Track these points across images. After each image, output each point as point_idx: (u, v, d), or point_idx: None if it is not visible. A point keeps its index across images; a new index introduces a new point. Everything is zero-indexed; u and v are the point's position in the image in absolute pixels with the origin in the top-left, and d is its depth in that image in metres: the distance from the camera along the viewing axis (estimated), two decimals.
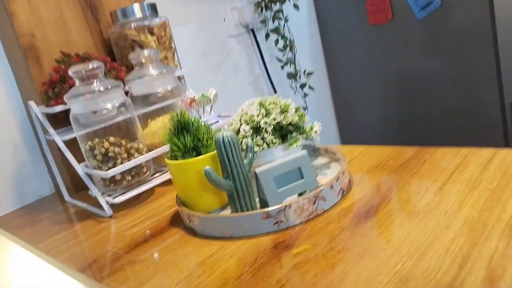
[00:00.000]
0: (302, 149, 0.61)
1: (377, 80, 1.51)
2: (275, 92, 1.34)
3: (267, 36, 1.31)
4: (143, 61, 0.75)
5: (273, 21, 1.29)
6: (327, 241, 0.47)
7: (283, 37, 1.30)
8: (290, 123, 0.62)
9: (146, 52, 0.75)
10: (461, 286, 0.35)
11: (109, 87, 0.68)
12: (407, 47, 1.41)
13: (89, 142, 0.69)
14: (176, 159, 0.58)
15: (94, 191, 0.70)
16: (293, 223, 0.52)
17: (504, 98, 1.26)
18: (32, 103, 0.78)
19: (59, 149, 0.81)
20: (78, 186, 0.86)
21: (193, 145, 0.58)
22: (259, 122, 0.61)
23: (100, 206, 0.71)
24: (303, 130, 0.63)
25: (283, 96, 0.74)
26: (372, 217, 0.50)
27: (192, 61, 1.17)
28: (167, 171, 0.78)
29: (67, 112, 0.75)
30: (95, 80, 0.68)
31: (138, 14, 0.84)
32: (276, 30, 1.30)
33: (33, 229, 0.74)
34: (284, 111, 0.62)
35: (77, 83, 0.68)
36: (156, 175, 0.77)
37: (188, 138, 0.58)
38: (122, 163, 0.69)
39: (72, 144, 0.75)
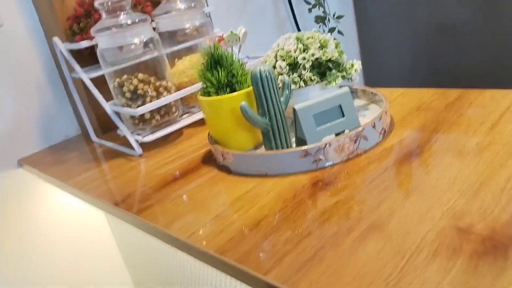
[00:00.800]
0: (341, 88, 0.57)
1: (406, 28, 1.43)
2: None
3: None
4: None
5: None
6: (371, 179, 0.45)
7: None
8: (329, 60, 0.58)
9: None
10: None
11: (137, 20, 0.65)
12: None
13: (117, 79, 0.67)
14: (210, 95, 0.56)
15: (123, 129, 0.69)
16: (333, 162, 0.50)
17: None
18: (56, 39, 0.75)
19: (85, 88, 0.79)
20: (105, 127, 0.85)
21: (227, 81, 0.55)
22: (297, 57, 0.58)
23: (129, 145, 0.70)
24: (343, 67, 0.59)
25: None
26: (418, 157, 0.48)
27: (216, 0, 1.11)
28: (195, 112, 0.76)
29: (93, 48, 0.73)
30: (122, 13, 0.64)
31: None
32: None
33: (63, 167, 0.74)
34: (323, 46, 0.58)
35: (104, 16, 0.65)
36: (184, 116, 0.75)
37: (222, 73, 0.55)
38: (151, 101, 0.67)
39: (99, 83, 0.73)
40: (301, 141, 0.53)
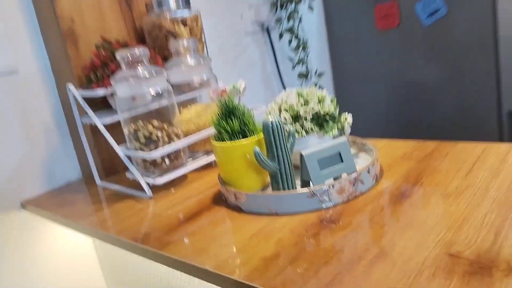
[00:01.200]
0: (334, 138, 0.66)
1: (380, 84, 1.58)
2: None
3: (281, 35, 1.37)
4: (182, 50, 0.80)
5: (288, 21, 1.34)
6: (371, 216, 0.53)
7: (297, 37, 1.35)
8: (326, 113, 0.67)
9: (185, 42, 0.79)
10: (500, 249, 0.41)
11: (153, 73, 0.72)
12: (411, 53, 1.48)
13: (133, 125, 0.73)
14: (223, 141, 0.63)
15: (135, 172, 0.74)
16: (335, 202, 0.57)
17: (502, 107, 1.34)
18: (71, 86, 0.81)
19: (92, 132, 0.85)
20: (108, 170, 0.89)
21: (240, 129, 0.63)
22: (299, 110, 0.66)
23: (137, 188, 0.75)
24: (338, 120, 0.68)
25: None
26: (408, 198, 0.56)
27: (211, 55, 1.21)
28: (199, 157, 0.82)
29: (105, 96, 0.79)
30: (139, 66, 0.72)
31: (173, 5, 0.88)
32: (290, 30, 1.35)
33: (72, 208, 0.77)
34: (321, 101, 0.67)
35: (123, 67, 0.72)
36: (188, 160, 0.81)
37: (235, 122, 0.62)
38: (163, 146, 0.73)
39: (107, 128, 0.78)
40: (305, 183, 0.60)
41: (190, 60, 0.80)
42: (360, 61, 1.61)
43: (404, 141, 0.77)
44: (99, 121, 0.77)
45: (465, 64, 1.38)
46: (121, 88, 0.72)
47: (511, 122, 1.35)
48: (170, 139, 0.74)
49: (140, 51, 0.71)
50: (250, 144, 0.61)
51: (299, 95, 0.68)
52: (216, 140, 0.64)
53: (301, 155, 0.59)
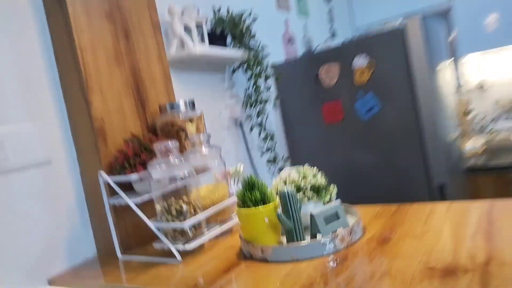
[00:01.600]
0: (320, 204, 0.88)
1: (328, 167, 1.85)
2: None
3: (251, 128, 1.63)
4: (197, 142, 1.00)
5: (257, 117, 1.62)
6: (368, 254, 0.73)
7: (265, 129, 1.62)
8: (320, 184, 0.90)
9: (201, 136, 1.01)
10: (458, 260, 0.64)
11: (182, 160, 0.91)
12: (352, 142, 1.81)
13: (166, 201, 0.89)
14: (248, 207, 0.82)
15: (166, 241, 0.89)
16: (339, 248, 0.77)
17: (432, 182, 1.67)
18: (103, 173, 0.96)
19: (116, 212, 0.99)
20: (126, 246, 1.01)
21: (261, 198, 0.83)
22: (300, 183, 0.88)
23: (165, 256, 0.89)
24: (327, 189, 0.91)
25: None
26: (390, 240, 0.78)
27: None
28: (213, 227, 0.98)
29: (130, 182, 0.96)
30: (170, 155, 0.91)
31: (183, 108, 1.11)
32: (259, 124, 1.62)
33: (101, 281, 0.88)
34: (315, 176, 0.90)
35: (158, 156, 0.90)
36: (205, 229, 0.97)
37: (257, 193, 0.83)
38: (190, 218, 0.89)
39: (127, 208, 0.93)
40: (313, 236, 0.80)
41: (204, 149, 1.00)
42: (312, 149, 1.91)
43: (371, 205, 1.01)
44: (131, 201, 0.93)
45: (396, 149, 1.72)
46: (156, 172, 0.90)
47: (442, 194, 1.67)
48: (196, 212, 0.91)
49: (171, 144, 0.91)
50: (269, 209, 0.81)
51: (299, 172, 0.90)
52: (241, 207, 0.83)
53: (311, 215, 0.79)
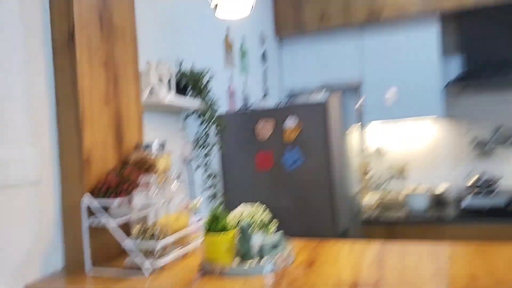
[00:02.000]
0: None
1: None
2: None
3: (197, 167, 1.88)
4: (169, 178, 1.24)
5: (205, 157, 1.88)
6: (298, 273, 1.03)
7: (208, 169, 1.88)
8: (265, 220, 1.18)
9: (175, 171, 1.24)
10: (358, 281, 0.96)
11: (159, 191, 1.14)
12: (279, 187, 2.15)
13: (144, 224, 1.11)
14: (212, 233, 1.07)
15: (139, 257, 1.09)
16: (279, 268, 1.06)
17: (337, 228, 2.05)
18: (88, 196, 1.15)
19: (92, 230, 1.17)
20: (94, 262, 1.18)
21: (222, 227, 1.09)
22: (252, 218, 1.16)
23: (132, 270, 1.09)
24: (271, 224, 1.20)
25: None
26: (314, 265, 1.08)
27: None
28: (175, 249, 1.20)
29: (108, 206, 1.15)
30: (149, 187, 1.13)
31: (155, 147, 1.33)
32: (204, 164, 1.88)
33: (85, 284, 1.05)
34: (262, 213, 1.19)
35: (140, 186, 1.12)
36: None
37: (220, 223, 1.09)
38: (161, 239, 1.11)
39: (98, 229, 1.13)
40: (261, 258, 1.08)
41: (174, 185, 1.24)
42: (245, 190, 2.21)
43: (300, 239, 1.32)
44: (112, 222, 1.12)
45: (312, 197, 2.09)
46: (137, 200, 1.11)
47: (344, 238, 2.05)
48: (165, 235, 1.13)
49: (151, 178, 1.14)
50: (230, 236, 1.08)
51: (251, 209, 1.19)
52: (207, 233, 1.08)
53: (262, 244, 1.07)
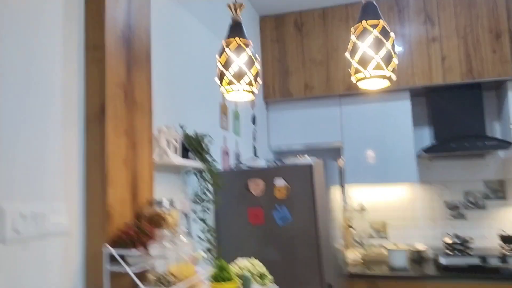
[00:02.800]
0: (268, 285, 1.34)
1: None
2: None
3: (193, 221, 2.05)
4: (180, 232, 1.41)
5: (202, 212, 2.05)
6: None
7: (205, 223, 2.05)
8: (262, 272, 1.36)
9: (183, 226, 1.42)
10: None
11: (174, 243, 1.31)
12: (269, 241, 2.32)
13: (160, 273, 1.26)
14: (219, 283, 1.24)
15: None
16: None
17: (323, 279, 2.21)
18: (107, 246, 1.30)
19: (114, 279, 1.32)
20: None
21: (228, 277, 1.26)
22: (252, 270, 1.33)
23: None
24: (267, 276, 1.37)
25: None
26: None
27: None
28: None
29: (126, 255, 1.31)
30: (164, 238, 1.30)
31: (166, 203, 1.52)
32: (201, 219, 2.05)
33: None
34: (260, 266, 1.36)
35: (157, 239, 1.29)
36: None
37: (226, 273, 1.26)
38: (175, 286, 1.27)
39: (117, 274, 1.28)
40: None
41: (183, 239, 1.41)
42: (237, 244, 2.37)
43: None
44: (130, 270, 1.27)
45: (300, 251, 2.26)
46: (154, 250, 1.28)
47: None
48: (177, 282, 1.29)
49: (166, 232, 1.31)
50: (233, 286, 1.24)
51: (250, 262, 1.36)
52: (214, 282, 1.25)
53: None
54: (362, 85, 1.51)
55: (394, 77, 1.44)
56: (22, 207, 1.15)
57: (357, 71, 1.44)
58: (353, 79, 1.49)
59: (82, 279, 1.35)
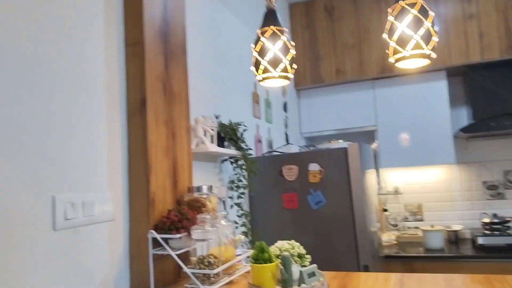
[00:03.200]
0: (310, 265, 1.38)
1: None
2: None
3: (231, 206, 2.12)
4: (220, 216, 1.48)
5: (237, 198, 2.12)
6: None
7: (242, 208, 2.12)
8: (301, 253, 1.40)
9: (223, 211, 1.48)
10: None
11: (213, 227, 1.38)
12: (304, 225, 2.36)
13: (201, 254, 1.33)
14: (260, 263, 1.29)
15: (198, 283, 1.31)
16: None
17: (359, 261, 2.24)
18: (153, 231, 1.38)
19: (154, 260, 1.40)
20: (155, 286, 1.41)
21: (267, 258, 1.31)
22: (290, 251, 1.38)
23: None
24: (305, 257, 1.41)
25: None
26: None
27: None
28: (224, 277, 1.42)
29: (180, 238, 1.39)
30: (205, 224, 1.37)
31: (205, 189, 1.58)
32: (237, 204, 2.12)
33: None
34: (299, 247, 1.41)
35: (198, 222, 1.36)
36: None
37: (266, 254, 1.31)
38: (216, 268, 1.33)
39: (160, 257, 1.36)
40: (299, 285, 1.28)
41: (224, 222, 1.47)
42: (272, 228, 2.42)
43: (327, 271, 1.53)
44: (173, 253, 1.35)
45: (335, 235, 2.29)
46: (196, 234, 1.35)
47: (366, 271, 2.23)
48: (218, 264, 1.36)
49: (208, 216, 1.38)
50: (273, 266, 1.29)
51: (290, 244, 1.41)
52: (254, 263, 1.30)
53: (301, 271, 1.29)
54: (401, 65, 1.50)
55: (434, 55, 1.43)
56: (72, 196, 1.24)
57: (395, 52, 1.44)
58: (391, 59, 1.49)
59: (127, 263, 1.44)
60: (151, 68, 1.48)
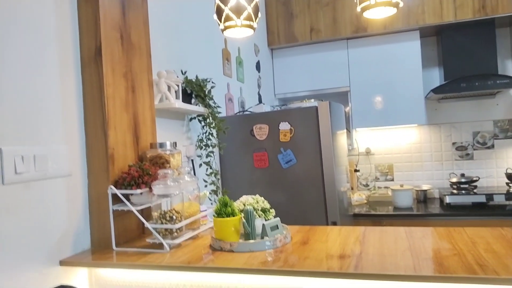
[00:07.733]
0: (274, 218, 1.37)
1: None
2: None
3: (200, 165, 2.08)
4: (183, 172, 1.43)
5: (206, 157, 2.08)
6: (294, 249, 1.23)
7: (211, 167, 2.08)
8: (265, 207, 1.38)
9: (186, 167, 1.44)
10: (345, 254, 1.17)
11: (176, 183, 1.34)
12: (275, 183, 2.35)
13: (163, 210, 1.30)
14: (222, 217, 1.27)
15: (158, 237, 1.28)
16: (278, 246, 1.26)
17: (328, 219, 2.26)
18: (112, 187, 1.34)
19: (115, 216, 1.36)
20: (116, 242, 1.37)
21: (230, 212, 1.28)
22: (254, 205, 1.36)
23: (152, 248, 1.28)
24: (269, 211, 1.40)
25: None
26: (307, 244, 1.28)
27: None
28: (187, 232, 1.39)
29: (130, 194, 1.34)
30: (168, 179, 1.33)
31: (169, 146, 1.53)
32: (206, 163, 2.08)
33: (115, 260, 1.24)
34: (263, 202, 1.39)
35: (159, 178, 1.32)
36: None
37: (229, 209, 1.28)
38: (178, 222, 1.31)
39: (121, 213, 1.32)
40: (262, 237, 1.27)
41: (187, 178, 1.43)
42: (243, 186, 2.41)
43: (292, 225, 1.52)
44: (134, 208, 1.31)
45: (304, 193, 2.30)
46: (157, 189, 1.31)
47: None
48: (180, 219, 1.33)
49: (169, 171, 1.33)
50: (236, 219, 1.27)
51: (254, 198, 1.39)
52: (217, 217, 1.28)
53: (263, 224, 1.27)
54: (368, 14, 1.45)
55: (401, 3, 1.39)
56: (22, 149, 1.17)
57: (362, 0, 1.39)
58: (358, 8, 1.43)
59: (87, 219, 1.39)
60: (105, 14, 1.38)
